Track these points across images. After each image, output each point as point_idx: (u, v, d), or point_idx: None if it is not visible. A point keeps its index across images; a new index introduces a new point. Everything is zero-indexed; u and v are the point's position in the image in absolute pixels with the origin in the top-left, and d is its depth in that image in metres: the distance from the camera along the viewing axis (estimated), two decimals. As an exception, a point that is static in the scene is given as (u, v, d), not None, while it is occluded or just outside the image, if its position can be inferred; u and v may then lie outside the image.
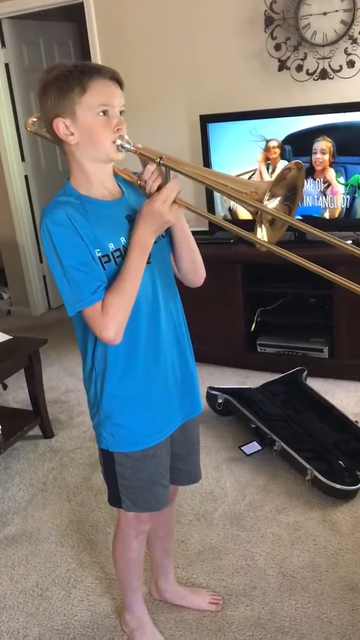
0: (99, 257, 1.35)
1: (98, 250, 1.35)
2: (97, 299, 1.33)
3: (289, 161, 3.28)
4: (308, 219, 3.28)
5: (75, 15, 4.40)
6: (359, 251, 1.22)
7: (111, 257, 1.37)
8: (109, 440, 1.53)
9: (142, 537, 1.72)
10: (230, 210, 3.51)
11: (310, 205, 3.28)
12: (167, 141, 3.51)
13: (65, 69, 1.32)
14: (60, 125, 1.34)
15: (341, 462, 2.44)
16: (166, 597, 1.97)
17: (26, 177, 4.62)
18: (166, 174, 1.37)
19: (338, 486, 2.32)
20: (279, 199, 1.34)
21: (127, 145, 1.35)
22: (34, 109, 4.55)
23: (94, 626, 1.93)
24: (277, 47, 3.37)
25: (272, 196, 1.32)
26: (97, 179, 1.40)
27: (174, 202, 1.34)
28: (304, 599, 1.95)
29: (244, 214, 3.33)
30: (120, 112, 1.36)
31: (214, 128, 3.41)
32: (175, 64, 3.69)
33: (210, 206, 3.52)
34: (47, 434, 3.02)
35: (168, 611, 1.95)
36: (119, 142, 1.34)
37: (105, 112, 1.32)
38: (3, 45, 4.31)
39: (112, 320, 1.33)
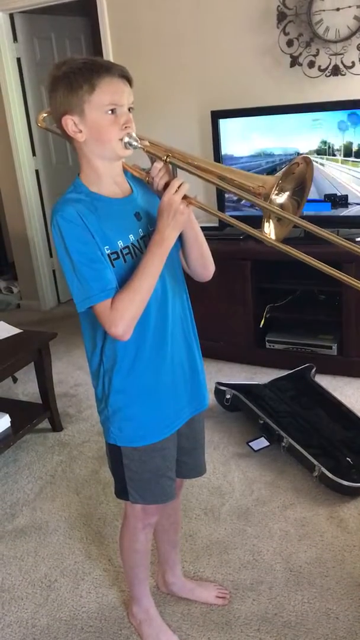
0: (108, 255, 1.36)
1: (107, 247, 1.36)
2: (106, 296, 1.34)
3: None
4: (319, 215, 3.28)
5: (87, 10, 4.40)
6: (348, 244, 1.22)
7: (120, 254, 1.38)
8: (116, 435, 1.54)
9: (149, 530, 1.73)
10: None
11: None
12: (177, 136, 3.50)
13: (74, 66, 1.32)
14: (69, 123, 1.34)
15: (349, 459, 2.45)
16: (173, 590, 1.99)
17: (37, 171, 4.64)
18: (173, 170, 1.38)
19: (345, 483, 2.33)
20: (287, 193, 1.34)
21: (135, 143, 1.35)
22: (45, 104, 4.56)
23: (102, 617, 1.95)
24: (290, 43, 3.36)
25: (281, 190, 1.32)
26: (106, 176, 1.41)
27: (187, 199, 1.35)
28: (310, 594, 1.95)
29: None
30: (129, 109, 1.36)
31: (225, 124, 3.41)
32: (186, 59, 3.69)
33: (221, 200, 3.51)
34: (56, 427, 3.04)
35: (175, 604, 1.97)
36: (126, 139, 1.34)
37: (113, 111, 1.33)
38: (15, 39, 4.32)
39: (121, 317, 1.34)
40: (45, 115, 1.50)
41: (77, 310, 1.39)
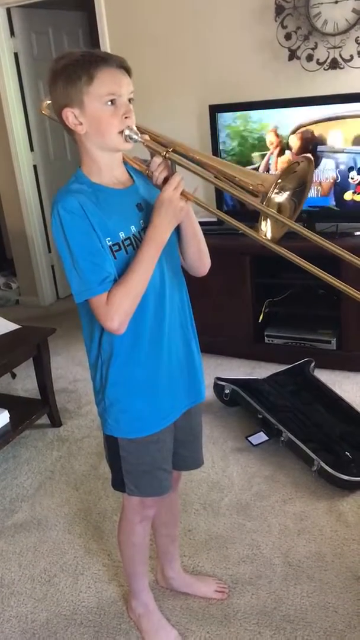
0: (110, 246, 1.36)
1: (109, 239, 1.36)
2: (104, 289, 1.34)
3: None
4: (319, 208, 3.27)
5: (84, 5, 4.38)
6: (348, 255, 1.22)
7: (122, 245, 1.38)
8: (113, 427, 1.54)
9: (147, 523, 1.74)
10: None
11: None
12: (175, 131, 3.43)
13: (73, 58, 1.32)
14: (70, 115, 1.35)
15: (348, 453, 2.45)
16: (172, 585, 1.99)
17: (35, 167, 4.62)
18: (172, 165, 1.38)
19: (345, 477, 2.33)
20: (287, 193, 1.33)
21: (135, 136, 1.35)
22: (43, 98, 4.53)
23: (101, 612, 1.95)
24: (288, 37, 3.34)
25: (281, 189, 1.31)
26: (107, 167, 1.41)
27: (185, 195, 1.35)
28: (309, 588, 1.96)
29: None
30: (130, 100, 1.36)
31: (222, 118, 3.40)
32: (184, 53, 3.67)
33: (220, 194, 3.50)
34: (55, 422, 3.04)
35: (174, 599, 1.97)
36: (127, 132, 1.34)
37: (112, 102, 1.33)
38: (12, 34, 4.30)
39: (116, 311, 1.34)
40: (49, 102, 1.50)
41: (75, 301, 1.39)
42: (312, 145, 3.19)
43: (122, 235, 1.38)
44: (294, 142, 3.24)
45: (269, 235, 1.33)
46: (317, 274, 1.23)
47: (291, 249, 1.28)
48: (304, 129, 3.20)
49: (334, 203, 3.25)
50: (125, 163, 1.46)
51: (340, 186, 3.22)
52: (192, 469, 1.83)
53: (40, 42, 4.52)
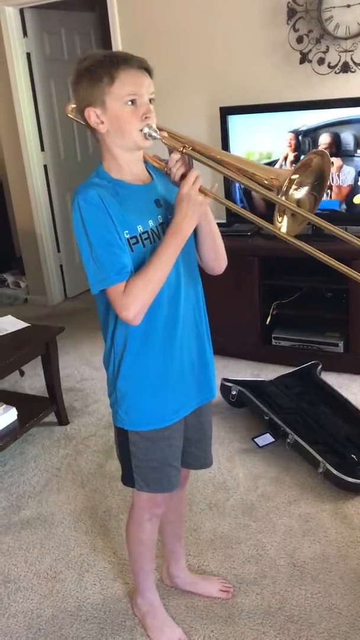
0: (128, 239, 1.39)
1: (127, 232, 1.39)
2: (120, 279, 1.36)
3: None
4: (326, 212, 3.28)
5: (96, 5, 4.41)
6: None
7: (139, 239, 1.40)
8: (124, 419, 1.56)
9: (156, 520, 1.75)
10: (247, 201, 3.50)
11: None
12: (186, 132, 3.48)
13: (96, 59, 1.36)
14: (92, 115, 1.39)
15: (354, 456, 2.45)
16: (177, 583, 2.00)
17: (45, 166, 4.65)
18: (190, 161, 1.41)
19: (350, 479, 2.33)
20: (306, 188, 1.35)
21: (155, 134, 1.39)
22: (54, 98, 4.58)
23: (106, 609, 1.96)
24: (299, 40, 3.35)
25: (300, 185, 1.33)
26: (127, 165, 1.44)
27: (203, 191, 1.37)
28: (314, 589, 1.96)
29: (260, 205, 3.33)
30: (150, 100, 1.40)
31: (233, 120, 3.41)
32: (196, 55, 3.69)
33: (228, 195, 3.50)
34: (62, 421, 3.06)
35: (179, 597, 1.98)
36: (146, 130, 1.38)
37: (133, 102, 1.36)
38: (25, 34, 4.33)
39: (133, 302, 1.36)
40: (74, 106, 1.54)
41: (91, 292, 1.42)
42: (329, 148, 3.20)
43: (140, 228, 1.41)
44: (307, 144, 3.25)
45: (283, 231, 1.34)
46: (332, 264, 1.24)
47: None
48: (318, 130, 3.21)
49: (344, 207, 3.26)
50: (144, 161, 1.50)
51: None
52: (201, 469, 1.84)
53: (53, 43, 4.55)
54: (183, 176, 1.39)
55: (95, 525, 2.34)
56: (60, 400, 3.04)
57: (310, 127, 3.22)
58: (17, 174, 4.61)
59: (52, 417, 3.05)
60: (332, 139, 3.18)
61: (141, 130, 1.38)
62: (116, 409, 1.57)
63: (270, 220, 1.33)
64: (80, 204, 1.36)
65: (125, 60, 1.36)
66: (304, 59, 3.37)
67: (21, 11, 4.26)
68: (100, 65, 1.35)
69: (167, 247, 1.39)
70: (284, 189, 1.28)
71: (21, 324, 3.03)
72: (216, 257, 1.58)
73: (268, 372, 3.31)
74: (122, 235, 1.38)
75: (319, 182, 1.36)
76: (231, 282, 3.36)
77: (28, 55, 4.38)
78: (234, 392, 2.97)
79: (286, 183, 1.28)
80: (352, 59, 3.26)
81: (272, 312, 3.47)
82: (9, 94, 4.36)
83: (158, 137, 1.40)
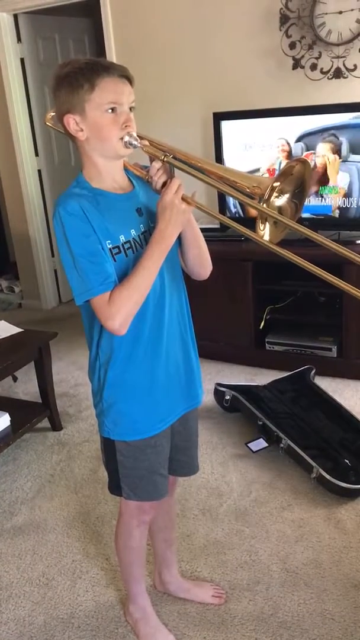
0: (110, 249, 1.38)
1: (109, 241, 1.38)
2: (105, 289, 1.36)
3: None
4: (319, 217, 3.28)
5: (91, 11, 4.42)
6: (351, 254, 1.23)
7: (122, 248, 1.40)
8: (110, 429, 1.56)
9: (144, 527, 1.74)
10: (242, 207, 3.51)
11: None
12: (179, 138, 3.49)
13: (76, 66, 1.35)
14: (71, 122, 1.37)
15: (347, 461, 2.45)
16: (170, 590, 1.99)
17: (39, 171, 4.65)
18: (171, 169, 1.40)
19: (343, 484, 2.33)
20: (287, 195, 1.35)
21: (135, 142, 1.38)
22: (48, 104, 4.58)
23: (99, 616, 1.95)
24: (292, 46, 3.36)
25: (281, 192, 1.33)
26: (107, 173, 1.43)
27: (185, 199, 1.36)
28: (307, 595, 1.96)
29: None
30: (130, 109, 1.38)
31: (227, 125, 3.42)
32: (189, 61, 3.70)
33: (222, 202, 3.52)
34: (56, 426, 3.05)
35: (172, 604, 1.97)
36: (126, 138, 1.37)
37: (113, 110, 1.35)
38: (19, 40, 4.33)
39: (118, 311, 1.36)
40: (53, 114, 1.53)
41: (75, 303, 1.41)
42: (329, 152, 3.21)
43: (122, 238, 1.40)
44: (299, 150, 3.26)
45: (266, 238, 1.34)
46: (319, 273, 1.24)
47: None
48: (311, 136, 3.22)
49: (338, 212, 3.27)
50: (125, 169, 1.49)
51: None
52: (188, 475, 1.84)
53: (47, 48, 4.55)
54: (165, 184, 1.39)
55: (88, 531, 2.33)
56: (54, 406, 3.04)
57: (302, 132, 3.23)
58: (11, 179, 4.61)
59: (45, 423, 3.04)
60: (325, 144, 3.19)
61: (121, 139, 1.37)
62: (102, 419, 1.56)
63: (252, 227, 1.34)
64: (62, 214, 1.35)
65: (106, 68, 1.34)
66: (296, 64, 3.39)
67: (15, 17, 4.27)
68: (80, 72, 1.33)
69: (151, 256, 1.38)
70: (266, 197, 1.28)
71: (14, 329, 3.02)
72: (201, 262, 1.58)
73: (262, 377, 3.31)
74: (105, 245, 1.37)
75: (300, 190, 1.36)
76: (225, 287, 3.37)
77: (22, 60, 4.38)
78: (227, 397, 2.96)
79: (268, 191, 1.28)
80: (344, 64, 3.27)
81: (266, 316, 3.47)
82: (3, 99, 4.37)
83: (139, 145, 1.38)
